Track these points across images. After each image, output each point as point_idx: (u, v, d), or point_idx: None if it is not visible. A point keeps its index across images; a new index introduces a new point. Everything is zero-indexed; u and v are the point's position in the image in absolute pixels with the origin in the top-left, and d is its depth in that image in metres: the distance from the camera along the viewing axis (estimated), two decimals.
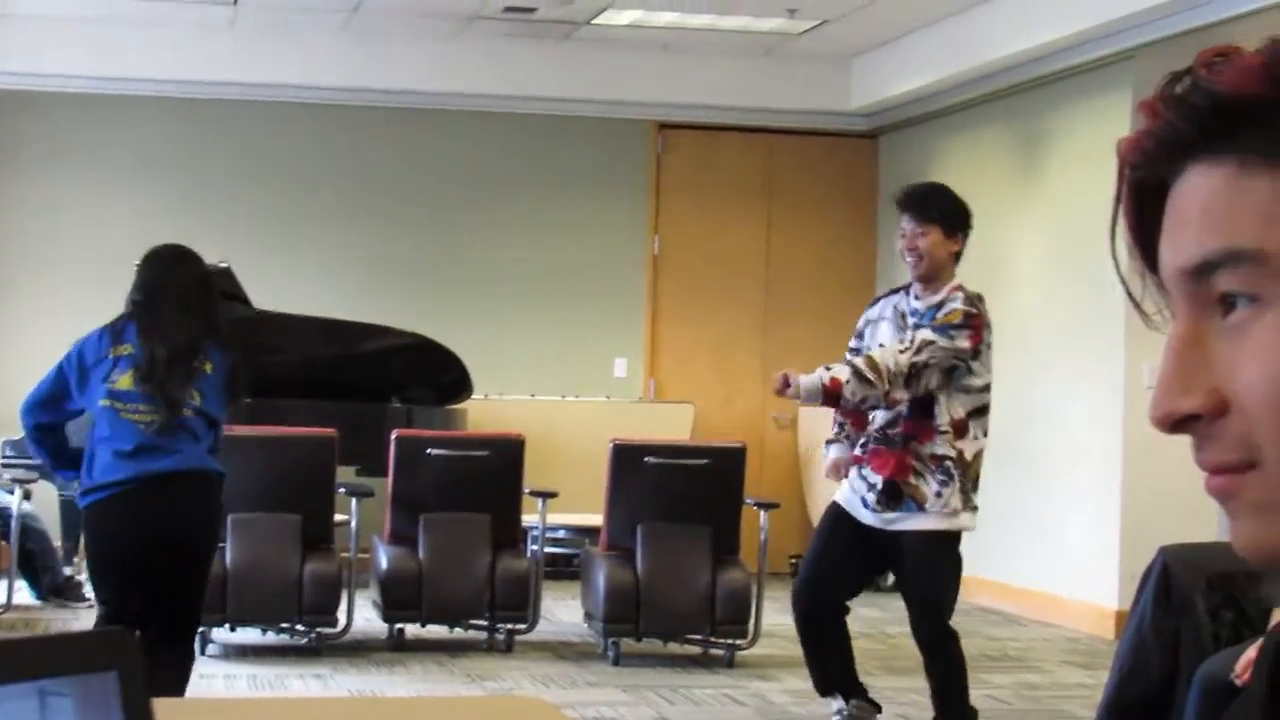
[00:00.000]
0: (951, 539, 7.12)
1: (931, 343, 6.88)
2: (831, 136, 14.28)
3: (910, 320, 7.08)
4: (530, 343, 13.73)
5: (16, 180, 13.14)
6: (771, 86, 13.82)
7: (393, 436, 9.92)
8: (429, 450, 9.90)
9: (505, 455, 9.95)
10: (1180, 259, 0.99)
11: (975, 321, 6.99)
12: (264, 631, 9.76)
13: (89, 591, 9.79)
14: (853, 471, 7.23)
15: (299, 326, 11.69)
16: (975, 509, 7.11)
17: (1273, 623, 4.03)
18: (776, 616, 10.36)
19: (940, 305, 7.03)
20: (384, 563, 9.69)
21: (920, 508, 7.02)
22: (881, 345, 7.05)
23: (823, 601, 7.32)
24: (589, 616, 9.82)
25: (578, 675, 9.26)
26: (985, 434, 7.11)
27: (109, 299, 7.46)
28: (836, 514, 7.32)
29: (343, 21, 12.93)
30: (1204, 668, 4.99)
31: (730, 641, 9.59)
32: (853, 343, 7.37)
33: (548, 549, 10.54)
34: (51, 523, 11.29)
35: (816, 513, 13.27)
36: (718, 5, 12.18)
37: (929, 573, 7.19)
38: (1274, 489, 0.95)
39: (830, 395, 6.89)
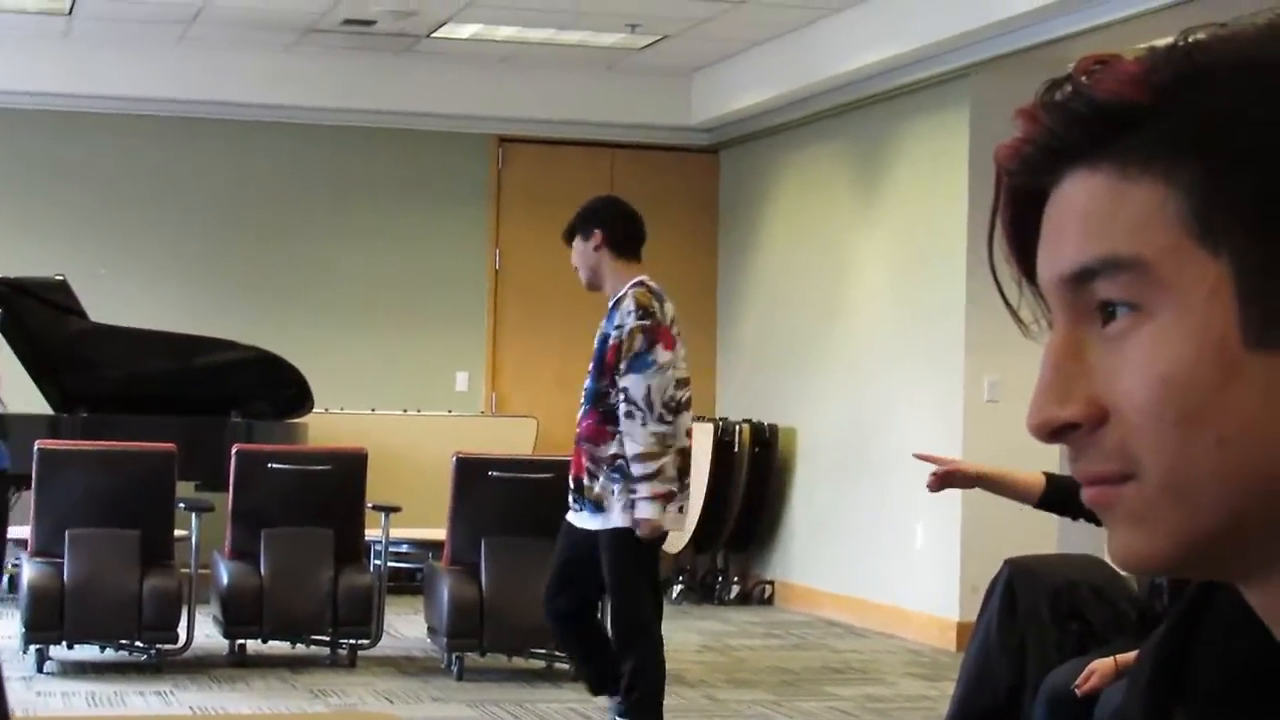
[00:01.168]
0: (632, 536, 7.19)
1: (647, 390, 7.01)
2: (673, 151, 14.33)
3: (611, 339, 7.19)
4: (371, 356, 13.66)
5: None
6: (612, 101, 13.85)
7: (233, 451, 9.83)
8: (270, 464, 9.83)
9: (347, 469, 9.90)
10: (1059, 267, 0.99)
11: (655, 334, 7.11)
12: (102, 648, 9.63)
13: None
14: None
15: (137, 340, 11.57)
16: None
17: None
18: None
19: (619, 304, 7.19)
20: (225, 578, 9.59)
21: (599, 508, 7.18)
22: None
23: (564, 608, 7.57)
24: (433, 631, 9.77)
25: (422, 690, 9.22)
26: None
27: None
28: (564, 523, 7.52)
29: (180, 33, 12.80)
30: (1049, 679, 5.06)
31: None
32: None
33: (390, 564, 10.49)
34: None
35: None
36: (558, 20, 12.18)
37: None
38: (1150, 501, 0.96)
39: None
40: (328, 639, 9.80)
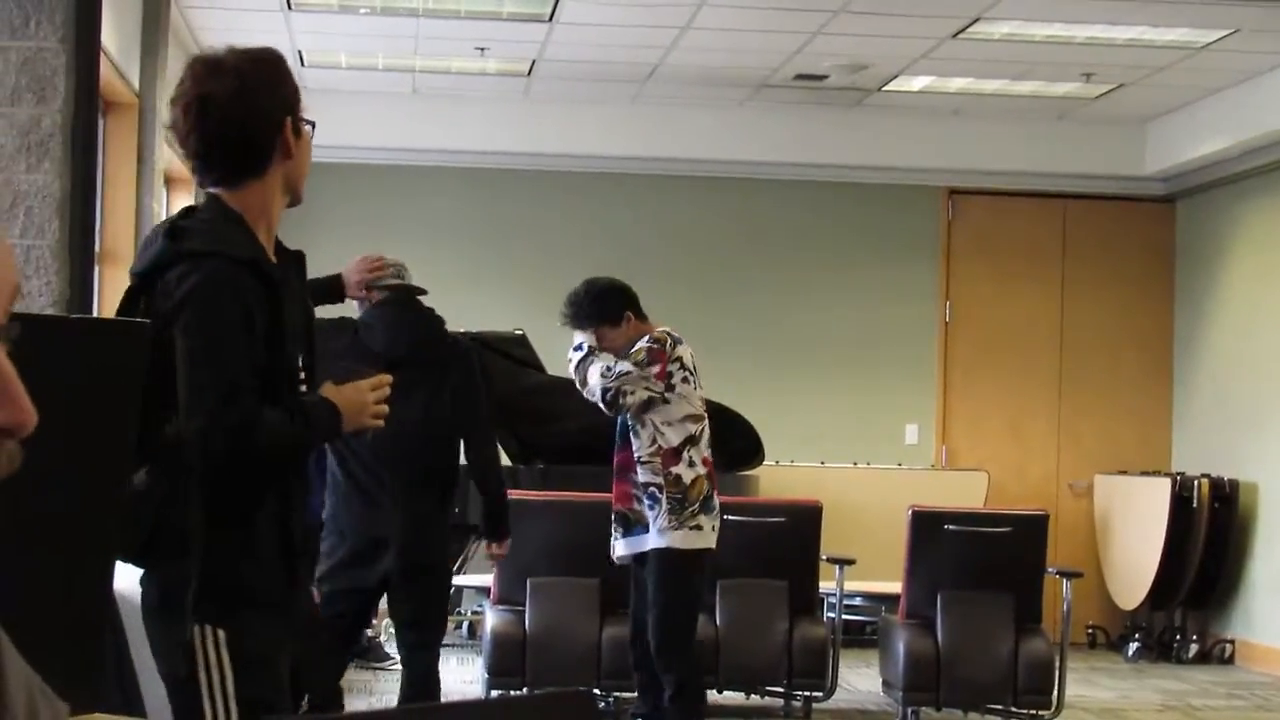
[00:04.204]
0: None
1: (627, 373, 7.66)
2: (1127, 201, 14.08)
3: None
4: (820, 409, 13.70)
5: (308, 248, 13.32)
6: (1064, 150, 13.68)
7: None
8: (723, 517, 9.87)
9: (802, 521, 9.88)
10: None
11: (658, 355, 7.73)
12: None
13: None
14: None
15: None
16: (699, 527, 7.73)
17: None
18: (1077, 688, 10.18)
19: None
20: None
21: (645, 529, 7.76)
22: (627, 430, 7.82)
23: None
24: (887, 685, 9.72)
25: None
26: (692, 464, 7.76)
27: None
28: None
29: (634, 92, 13.07)
30: None
31: (1032, 712, 9.41)
32: None
33: (844, 616, 10.45)
34: None
35: (1114, 582, 13.08)
36: (1011, 70, 12.09)
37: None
38: None
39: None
40: (782, 690, 9.81)
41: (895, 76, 12.37)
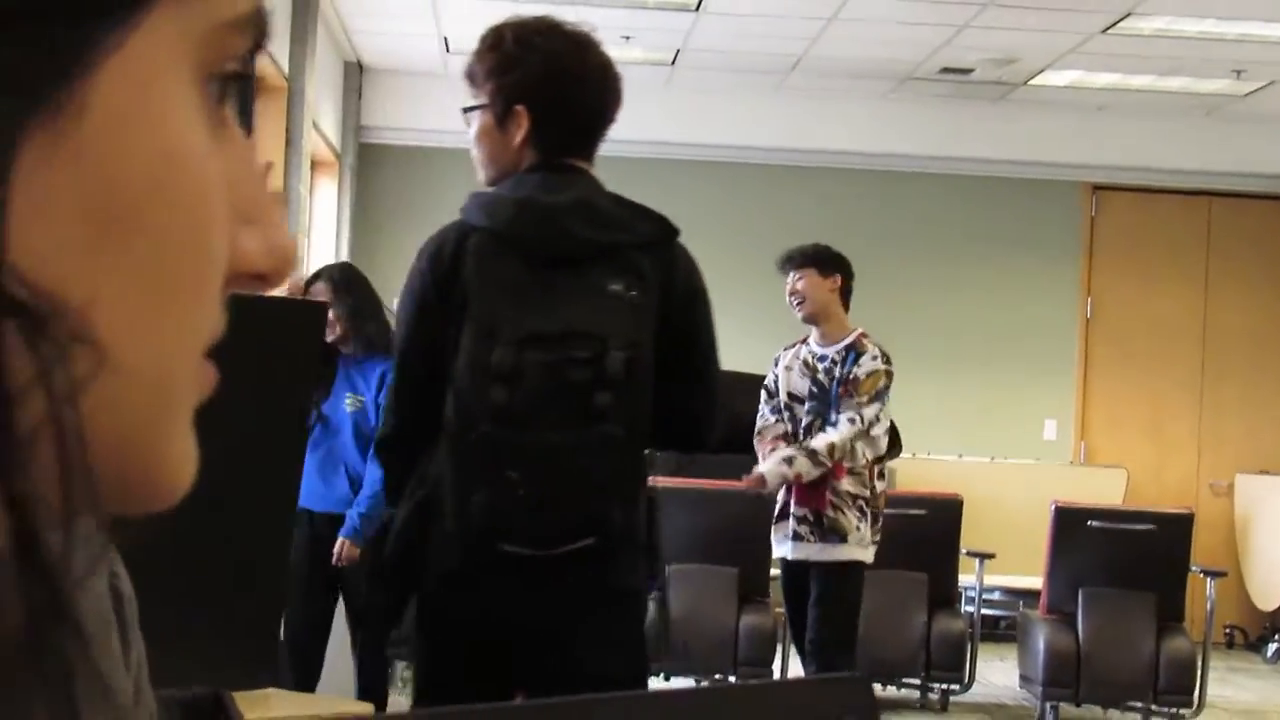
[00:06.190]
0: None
1: (876, 420, 7.55)
2: (1272, 200, 13.98)
3: (819, 366, 7.69)
4: (959, 402, 13.69)
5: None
6: (1211, 148, 13.60)
7: None
8: None
9: (942, 514, 9.92)
10: None
11: (890, 380, 7.65)
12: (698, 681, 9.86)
13: None
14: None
15: (744, 382, 11.80)
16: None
17: None
18: (1216, 687, 10.14)
19: (853, 351, 7.67)
20: None
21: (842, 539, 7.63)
22: (825, 421, 7.59)
23: None
24: (1025, 680, 9.71)
25: None
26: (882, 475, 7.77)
27: None
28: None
29: (778, 82, 13.10)
30: None
31: (1174, 710, 9.39)
32: (764, 401, 7.98)
33: (982, 610, 10.47)
34: None
35: (1253, 582, 13.00)
36: (1160, 66, 12.02)
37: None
38: None
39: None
40: (918, 683, 9.83)
41: (1041, 71, 12.34)
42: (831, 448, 7.42)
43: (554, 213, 3.66)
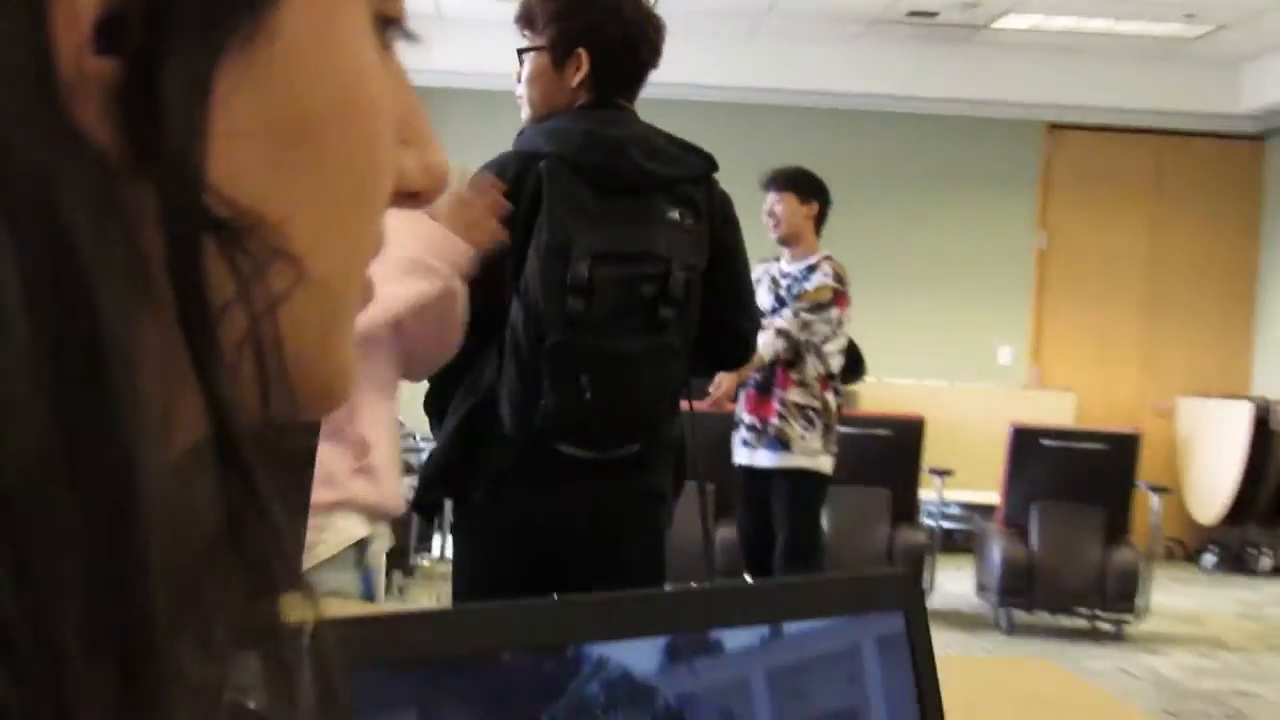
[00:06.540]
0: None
1: (808, 324, 7.79)
2: (1219, 139, 14.54)
3: (782, 283, 7.96)
4: (919, 329, 14.26)
5: None
6: (1161, 89, 14.09)
7: None
8: None
9: (906, 434, 10.49)
10: None
11: (842, 298, 7.90)
12: None
13: None
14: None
15: None
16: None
17: None
18: (1158, 595, 10.78)
19: (813, 270, 7.95)
20: None
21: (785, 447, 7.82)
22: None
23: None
24: (981, 588, 10.35)
25: (973, 643, 9.77)
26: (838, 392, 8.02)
27: None
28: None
29: (751, 25, 13.56)
30: None
31: (1119, 616, 10.07)
32: None
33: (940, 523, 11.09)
34: None
35: (1193, 499, 13.68)
36: (1116, 9, 12.52)
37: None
38: None
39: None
40: None
41: (1004, 14, 12.80)
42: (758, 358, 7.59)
43: (620, 144, 3.86)
